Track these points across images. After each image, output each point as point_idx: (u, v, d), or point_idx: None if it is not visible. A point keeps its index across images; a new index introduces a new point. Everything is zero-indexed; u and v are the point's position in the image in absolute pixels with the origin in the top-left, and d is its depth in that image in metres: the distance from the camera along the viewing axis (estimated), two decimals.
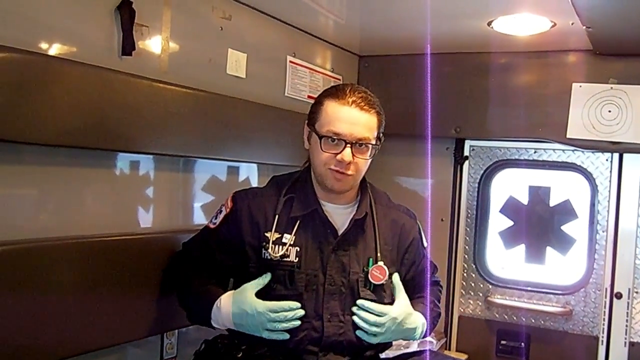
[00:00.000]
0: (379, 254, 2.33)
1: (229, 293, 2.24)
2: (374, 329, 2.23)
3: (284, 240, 2.27)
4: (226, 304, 2.20)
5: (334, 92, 2.27)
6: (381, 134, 2.31)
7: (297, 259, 2.26)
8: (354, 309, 2.25)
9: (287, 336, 2.17)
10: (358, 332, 2.26)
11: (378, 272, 2.29)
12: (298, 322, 2.17)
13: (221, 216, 2.37)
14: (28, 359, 2.08)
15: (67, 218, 2.31)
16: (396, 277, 2.36)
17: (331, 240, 2.30)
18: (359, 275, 2.29)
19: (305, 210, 2.31)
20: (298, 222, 2.29)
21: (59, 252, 2.19)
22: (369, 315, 2.24)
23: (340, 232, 2.31)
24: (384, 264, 2.31)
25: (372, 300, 2.27)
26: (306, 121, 2.35)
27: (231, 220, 2.33)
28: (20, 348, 2.04)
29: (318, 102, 2.30)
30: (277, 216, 2.29)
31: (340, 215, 2.35)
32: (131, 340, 2.55)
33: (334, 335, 2.24)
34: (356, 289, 2.28)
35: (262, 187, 2.50)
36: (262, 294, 2.23)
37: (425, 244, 2.54)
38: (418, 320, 2.34)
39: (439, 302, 2.63)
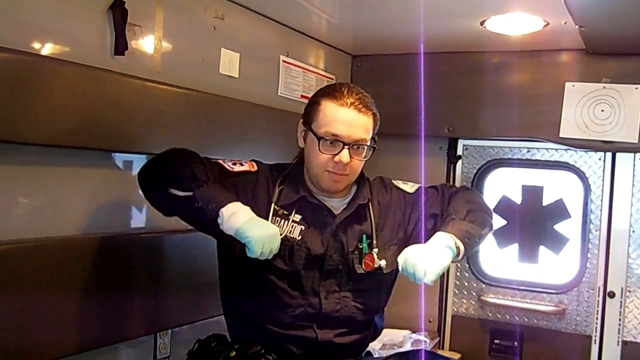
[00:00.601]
0: (374, 241, 2.32)
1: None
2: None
3: (293, 217, 2.26)
4: (248, 209, 2.05)
5: (332, 93, 2.25)
6: (375, 135, 2.31)
7: (300, 236, 2.25)
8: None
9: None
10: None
11: (369, 260, 2.28)
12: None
13: (242, 168, 2.31)
14: None
15: (60, 217, 2.30)
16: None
17: (330, 221, 2.29)
18: (355, 253, 2.29)
19: (298, 197, 2.30)
20: (301, 202, 2.28)
21: (52, 251, 2.18)
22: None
23: (337, 214, 2.31)
24: (376, 254, 2.29)
25: (367, 273, 2.27)
26: (301, 120, 2.34)
27: (249, 178, 2.29)
28: (11, 348, 2.03)
29: (315, 102, 2.28)
30: (282, 188, 2.29)
31: (333, 202, 2.35)
32: (124, 340, 2.55)
33: (332, 311, 2.25)
34: (352, 266, 2.28)
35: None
36: (261, 265, 2.16)
37: (410, 191, 2.48)
38: (440, 242, 2.13)
39: (474, 200, 2.42)
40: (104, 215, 2.48)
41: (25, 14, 2.07)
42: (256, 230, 2.01)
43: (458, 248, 2.14)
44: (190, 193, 2.04)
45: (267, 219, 2.20)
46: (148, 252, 2.57)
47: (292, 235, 2.25)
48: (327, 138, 2.19)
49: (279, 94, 3.40)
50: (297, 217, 2.27)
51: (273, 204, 2.26)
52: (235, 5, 3.00)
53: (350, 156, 2.20)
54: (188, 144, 2.65)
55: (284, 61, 3.42)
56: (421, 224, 2.39)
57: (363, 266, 2.29)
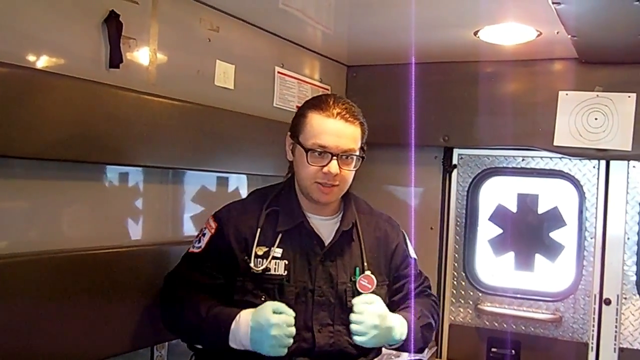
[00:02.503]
0: (365, 263, 2.34)
1: (248, 310, 2.16)
2: (355, 327, 2.22)
3: (273, 254, 2.26)
4: (245, 320, 2.12)
5: (318, 104, 2.26)
6: (364, 144, 2.32)
7: (285, 272, 2.26)
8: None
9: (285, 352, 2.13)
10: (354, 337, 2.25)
11: (366, 282, 2.31)
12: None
13: (205, 238, 2.33)
14: None
15: (56, 231, 2.30)
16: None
17: (318, 251, 2.30)
18: (347, 285, 2.30)
19: (292, 224, 2.31)
20: (281, 235, 2.29)
21: (47, 265, 2.18)
22: (353, 316, 2.24)
23: (326, 243, 2.32)
24: (371, 273, 2.32)
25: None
26: (289, 133, 2.35)
27: (218, 241, 2.30)
28: None
29: (301, 114, 2.29)
30: (260, 229, 2.29)
31: (325, 226, 2.36)
32: (121, 353, 2.53)
33: (325, 345, 2.25)
34: (344, 299, 2.28)
35: (244, 200, 2.51)
36: (250, 307, 2.21)
37: (411, 254, 2.53)
38: (395, 321, 2.27)
39: (433, 314, 2.49)
40: (100, 228, 2.48)
41: (19, 26, 2.08)
42: (262, 334, 2.08)
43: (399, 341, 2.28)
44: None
45: (249, 264, 2.24)
46: (145, 265, 2.56)
47: (277, 273, 2.25)
48: (315, 150, 2.20)
49: (274, 105, 3.41)
50: (278, 252, 2.27)
51: (254, 249, 2.27)
52: (229, 17, 3.01)
53: (340, 167, 2.21)
54: (183, 156, 2.69)
55: (279, 72, 3.43)
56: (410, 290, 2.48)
57: (360, 289, 2.30)
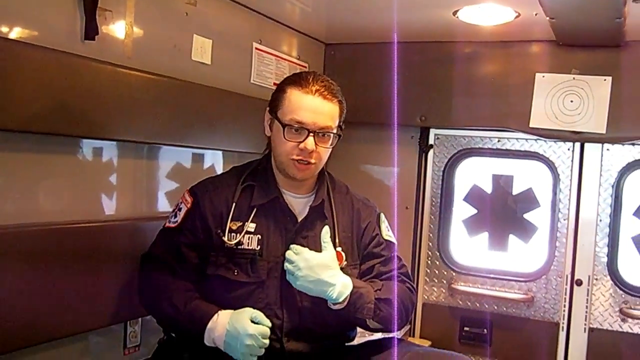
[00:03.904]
0: (337, 240, 2.34)
1: (227, 312, 2.15)
2: (287, 265, 2.21)
3: (247, 228, 2.27)
4: (223, 321, 2.12)
5: (297, 80, 2.26)
6: (342, 123, 2.32)
7: (259, 246, 2.27)
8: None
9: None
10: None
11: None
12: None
13: (182, 213, 2.32)
14: None
15: (29, 205, 2.28)
16: (325, 230, 2.30)
17: (290, 227, 2.31)
18: None
19: (267, 198, 2.32)
20: (255, 209, 2.29)
21: (21, 239, 2.17)
22: (288, 253, 2.23)
23: (299, 219, 2.32)
24: (342, 250, 2.32)
25: None
26: (267, 108, 2.35)
27: (194, 215, 2.30)
28: None
29: (280, 90, 2.29)
30: (234, 204, 2.29)
31: (299, 204, 2.37)
32: (94, 329, 2.54)
33: (294, 321, 2.26)
34: None
35: (220, 175, 2.51)
36: (223, 282, 2.24)
37: (385, 236, 2.49)
38: (340, 281, 2.21)
39: (404, 298, 2.38)
40: (74, 202, 2.46)
41: None
42: (236, 340, 2.08)
43: (342, 303, 2.21)
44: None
45: (222, 238, 2.24)
46: (118, 240, 2.55)
47: (250, 247, 2.26)
48: (292, 125, 2.20)
49: (251, 81, 3.38)
50: (252, 227, 2.28)
51: (228, 223, 2.26)
52: None
53: (316, 143, 2.21)
54: (159, 131, 2.66)
55: (256, 48, 3.40)
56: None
57: None
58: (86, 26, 2.32)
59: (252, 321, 2.11)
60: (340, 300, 2.20)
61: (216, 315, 2.14)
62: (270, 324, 2.14)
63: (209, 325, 2.13)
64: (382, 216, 2.54)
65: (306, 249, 2.23)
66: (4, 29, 2.09)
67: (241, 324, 2.09)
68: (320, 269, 2.20)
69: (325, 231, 2.29)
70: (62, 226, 2.34)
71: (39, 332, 2.23)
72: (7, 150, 2.18)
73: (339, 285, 2.20)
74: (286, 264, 2.21)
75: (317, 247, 2.29)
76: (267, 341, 2.10)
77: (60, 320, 2.29)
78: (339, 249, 2.33)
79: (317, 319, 2.29)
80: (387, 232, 2.51)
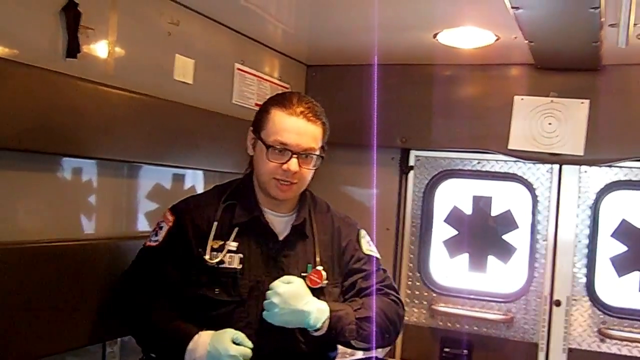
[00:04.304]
0: (317, 259, 2.34)
1: (209, 332, 2.14)
2: (266, 304, 2.19)
3: (229, 247, 2.26)
4: (204, 341, 2.11)
5: (281, 101, 2.28)
6: (325, 145, 2.33)
7: (240, 265, 2.26)
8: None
9: None
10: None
11: (316, 277, 2.30)
12: None
13: (163, 232, 2.32)
14: None
15: (7, 222, 2.24)
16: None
17: (271, 246, 2.31)
18: None
19: (248, 216, 2.32)
20: (237, 229, 2.29)
21: None
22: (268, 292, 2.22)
23: (280, 238, 2.32)
24: (323, 270, 2.32)
25: None
26: (251, 128, 2.36)
27: (175, 234, 2.30)
28: None
29: (264, 110, 2.31)
30: (216, 223, 2.29)
31: (280, 223, 2.37)
32: (71, 349, 2.49)
33: (276, 340, 2.24)
34: None
35: (202, 194, 2.51)
36: (204, 301, 2.23)
37: (366, 251, 2.49)
38: (314, 307, 2.20)
39: (387, 311, 2.36)
40: (53, 220, 2.43)
41: None
42: None
43: (322, 329, 2.21)
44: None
45: (204, 257, 2.23)
46: (98, 259, 2.52)
47: (232, 266, 2.25)
48: (276, 147, 2.22)
49: (233, 101, 3.39)
50: (234, 246, 2.27)
51: (210, 242, 2.26)
52: (190, 11, 2.98)
53: (299, 165, 2.22)
54: (140, 149, 2.66)
55: (238, 69, 3.41)
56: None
57: (310, 284, 2.28)
58: (68, 44, 2.32)
59: (234, 342, 2.10)
60: (319, 326, 2.19)
61: (197, 335, 2.13)
62: (251, 345, 2.12)
63: (190, 345, 2.11)
64: (363, 232, 2.54)
65: (277, 282, 2.21)
66: None
67: (222, 345, 2.08)
68: (293, 300, 2.18)
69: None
70: (41, 245, 2.31)
71: (15, 352, 2.18)
72: None
73: (315, 312, 2.20)
74: (265, 303, 2.20)
75: (298, 266, 2.30)
76: None
77: (37, 339, 2.25)
78: (319, 267, 2.33)
79: (299, 338, 2.27)
80: (369, 247, 2.51)
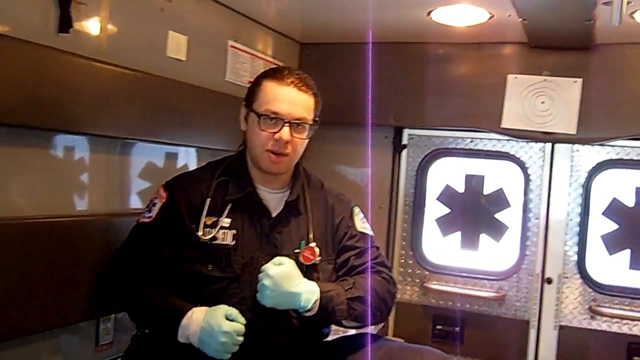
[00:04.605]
0: (310, 236, 2.35)
1: (202, 309, 2.14)
2: (258, 286, 2.20)
3: (222, 223, 2.27)
4: (198, 317, 2.11)
5: (272, 74, 2.30)
6: (317, 117, 2.33)
7: (234, 241, 2.26)
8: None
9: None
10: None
11: (309, 253, 2.31)
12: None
13: (156, 208, 2.31)
14: None
15: (0, 198, 2.24)
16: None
17: (264, 222, 2.31)
18: (290, 257, 2.29)
19: (240, 192, 2.32)
20: (231, 205, 2.29)
21: None
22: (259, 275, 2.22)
23: (273, 215, 2.33)
24: (316, 246, 2.33)
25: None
26: (243, 103, 2.36)
27: (169, 210, 2.29)
28: None
29: (256, 83, 2.32)
30: (209, 199, 2.29)
31: (274, 199, 2.37)
32: (65, 325, 2.50)
33: (268, 317, 2.25)
34: None
35: (195, 171, 2.50)
36: (197, 277, 2.24)
37: (360, 229, 2.49)
38: (304, 288, 2.21)
39: (378, 289, 2.37)
40: (45, 196, 2.42)
41: None
42: (211, 337, 2.07)
43: (313, 309, 2.21)
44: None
45: (197, 233, 2.24)
46: (90, 236, 2.52)
47: (225, 242, 2.26)
48: (268, 115, 2.22)
49: (226, 79, 3.37)
50: (227, 222, 2.28)
51: (203, 218, 2.26)
52: None
53: (292, 134, 2.22)
54: (133, 126, 2.65)
55: (232, 46, 3.40)
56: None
57: (302, 260, 2.29)
58: (60, 19, 2.30)
59: (227, 318, 2.10)
60: (309, 306, 2.20)
61: (190, 311, 2.13)
62: (244, 321, 2.13)
63: (183, 321, 2.12)
64: (356, 209, 2.55)
65: (269, 264, 2.21)
66: None
67: (216, 321, 2.08)
68: (285, 282, 2.19)
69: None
70: (33, 220, 2.31)
71: (8, 328, 2.19)
72: None
73: (305, 293, 2.20)
74: (258, 286, 2.20)
75: (291, 243, 2.31)
76: (241, 338, 2.10)
77: (30, 316, 2.26)
78: (313, 244, 2.33)
79: (292, 314, 2.28)
80: (362, 225, 2.51)
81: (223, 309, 2.12)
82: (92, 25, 2.49)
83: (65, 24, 2.31)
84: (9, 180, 2.28)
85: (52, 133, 2.43)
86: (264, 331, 2.25)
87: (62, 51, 2.31)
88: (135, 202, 2.90)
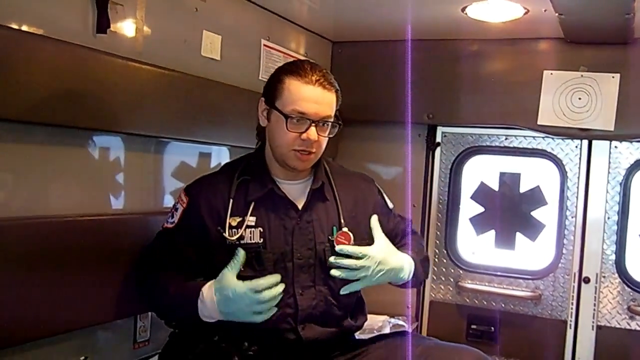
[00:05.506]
0: (342, 221, 2.34)
1: (210, 283, 2.14)
2: (355, 273, 2.19)
3: (247, 222, 2.25)
4: (209, 294, 2.11)
5: (295, 70, 2.25)
6: (337, 112, 2.32)
7: (261, 239, 2.25)
8: (332, 259, 2.21)
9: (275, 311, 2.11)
10: (342, 289, 2.25)
11: (343, 238, 2.29)
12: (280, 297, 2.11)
13: (178, 213, 2.31)
14: None
15: (39, 196, 2.27)
16: (374, 219, 2.36)
17: (293, 215, 2.30)
18: (325, 245, 2.29)
19: (262, 191, 2.30)
20: (253, 203, 2.28)
21: (29, 232, 2.15)
22: (349, 261, 2.20)
23: (300, 206, 2.32)
24: (348, 230, 2.31)
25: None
26: (262, 98, 2.34)
27: (191, 215, 2.29)
28: None
29: (278, 80, 2.27)
30: (232, 200, 2.28)
31: (296, 190, 2.36)
32: (102, 323, 2.53)
33: (308, 307, 2.25)
34: (324, 259, 2.27)
35: (214, 173, 2.48)
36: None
37: (389, 206, 2.56)
38: (404, 260, 2.33)
39: (424, 248, 2.63)
40: (83, 195, 2.45)
41: None
42: (232, 305, 2.08)
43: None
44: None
45: (223, 234, 2.24)
46: (128, 234, 2.54)
47: (253, 241, 2.25)
48: (294, 116, 2.20)
49: (259, 77, 3.37)
50: (252, 221, 2.26)
51: (228, 219, 2.26)
52: None
53: (318, 134, 2.22)
54: (168, 125, 2.67)
55: (265, 45, 3.40)
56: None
57: (337, 245, 2.27)
58: (98, 20, 2.33)
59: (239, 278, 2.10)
60: (408, 278, 2.34)
61: (200, 294, 2.13)
62: (245, 254, 2.15)
63: (199, 307, 2.12)
64: (380, 189, 2.60)
65: (367, 247, 2.24)
66: (17, 22, 2.08)
67: (228, 285, 2.08)
68: (389, 258, 2.28)
69: (375, 219, 2.37)
70: (71, 219, 2.33)
71: (48, 325, 2.21)
72: (17, 142, 2.17)
73: (407, 265, 2.34)
74: (355, 272, 2.20)
75: (324, 230, 2.31)
76: (268, 292, 2.07)
77: (69, 313, 2.28)
78: (345, 229, 2.32)
79: (331, 302, 2.30)
80: (389, 202, 2.59)
81: (226, 272, 2.11)
82: (128, 26, 2.52)
83: (102, 25, 2.34)
84: (47, 179, 2.32)
85: (90, 132, 2.45)
86: (304, 322, 2.25)
87: (99, 51, 2.34)
88: (169, 201, 2.92)
